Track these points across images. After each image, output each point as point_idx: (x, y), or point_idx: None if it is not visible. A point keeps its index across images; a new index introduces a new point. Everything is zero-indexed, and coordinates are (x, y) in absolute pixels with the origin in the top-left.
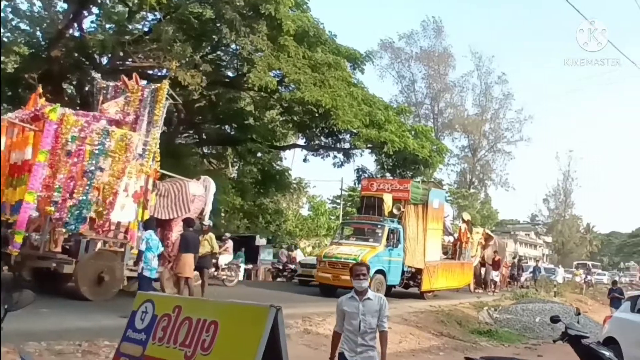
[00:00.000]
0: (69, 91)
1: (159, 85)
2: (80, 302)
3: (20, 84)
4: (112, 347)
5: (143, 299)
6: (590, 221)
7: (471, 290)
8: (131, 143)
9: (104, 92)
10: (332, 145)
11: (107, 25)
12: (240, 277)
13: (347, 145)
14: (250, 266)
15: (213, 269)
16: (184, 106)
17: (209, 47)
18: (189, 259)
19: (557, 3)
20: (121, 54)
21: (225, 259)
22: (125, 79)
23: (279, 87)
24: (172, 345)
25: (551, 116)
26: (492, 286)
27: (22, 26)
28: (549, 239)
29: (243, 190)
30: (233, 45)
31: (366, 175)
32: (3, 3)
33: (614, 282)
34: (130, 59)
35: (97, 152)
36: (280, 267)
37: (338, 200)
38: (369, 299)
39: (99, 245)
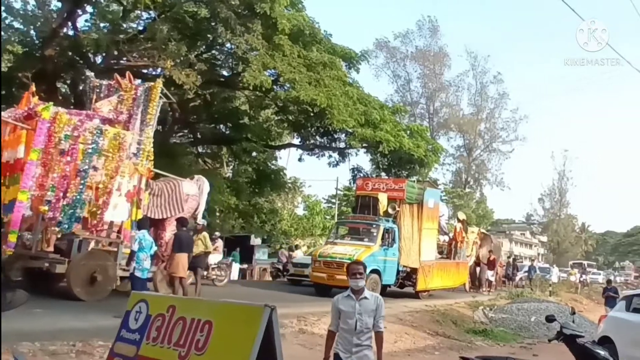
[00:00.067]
0: (63, 90)
1: (152, 84)
2: (73, 302)
3: (14, 83)
4: (106, 347)
5: (137, 298)
6: (586, 220)
7: (466, 289)
8: (124, 142)
9: (97, 90)
10: (327, 145)
11: (102, 24)
12: (235, 277)
13: (342, 145)
14: (245, 266)
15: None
16: (178, 105)
17: (204, 46)
18: (182, 258)
19: (552, 3)
20: (115, 53)
21: (215, 258)
22: (119, 77)
23: (274, 87)
24: (166, 345)
25: (546, 116)
26: (487, 285)
27: (16, 25)
28: (544, 239)
29: (238, 190)
30: (228, 45)
31: (361, 175)
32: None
33: (609, 281)
34: (124, 58)
35: (90, 151)
36: (280, 267)
37: (333, 200)
38: (365, 298)
39: (92, 244)
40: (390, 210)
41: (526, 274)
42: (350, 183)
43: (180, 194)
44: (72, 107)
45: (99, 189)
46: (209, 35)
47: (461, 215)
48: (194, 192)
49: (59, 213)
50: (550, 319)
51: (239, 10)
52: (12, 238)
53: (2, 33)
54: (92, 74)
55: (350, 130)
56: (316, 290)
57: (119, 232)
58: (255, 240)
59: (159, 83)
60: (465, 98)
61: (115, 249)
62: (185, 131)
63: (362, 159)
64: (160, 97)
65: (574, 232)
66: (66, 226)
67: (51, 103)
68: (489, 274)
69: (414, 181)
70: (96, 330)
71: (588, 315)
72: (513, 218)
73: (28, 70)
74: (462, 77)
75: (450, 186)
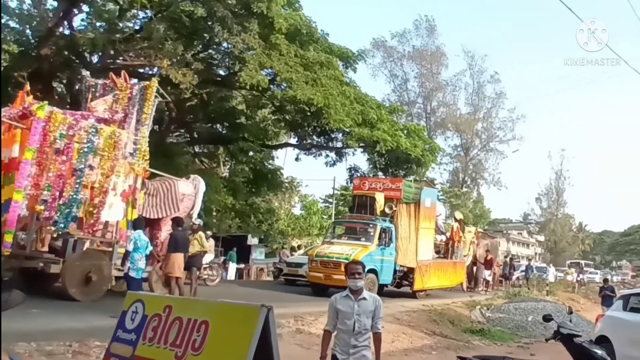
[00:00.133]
0: (59, 90)
1: (147, 83)
2: (69, 302)
3: (10, 82)
4: (102, 347)
5: (133, 299)
6: (583, 220)
7: (464, 289)
8: (120, 141)
9: (93, 90)
10: (324, 144)
11: (98, 24)
12: (232, 277)
13: (339, 144)
14: (242, 265)
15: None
16: (175, 105)
17: (201, 46)
18: (178, 258)
19: (549, 2)
20: (112, 52)
21: (206, 258)
22: (114, 76)
23: (271, 86)
24: (163, 346)
25: (543, 115)
26: (485, 285)
27: (12, 24)
28: (541, 238)
29: (235, 190)
30: (225, 44)
31: (358, 175)
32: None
33: (605, 280)
34: (121, 58)
35: (86, 149)
36: (282, 267)
37: (330, 200)
38: (364, 299)
39: (87, 244)
40: (387, 210)
41: (523, 273)
42: (347, 183)
43: (175, 193)
44: (68, 106)
45: (95, 189)
46: (205, 35)
47: (458, 215)
48: (189, 191)
49: (55, 212)
50: (547, 318)
51: (236, 10)
52: (9, 238)
53: None
54: (88, 73)
55: (347, 130)
56: (313, 290)
57: (114, 232)
58: (252, 240)
59: (155, 82)
60: (463, 97)
61: (111, 249)
62: (182, 131)
63: (359, 158)
64: (156, 97)
65: (571, 231)
66: (62, 225)
67: (46, 102)
68: (486, 274)
69: (411, 181)
70: (92, 331)
71: (585, 314)
72: (510, 217)
73: (24, 70)
74: (459, 76)
75: (448, 186)
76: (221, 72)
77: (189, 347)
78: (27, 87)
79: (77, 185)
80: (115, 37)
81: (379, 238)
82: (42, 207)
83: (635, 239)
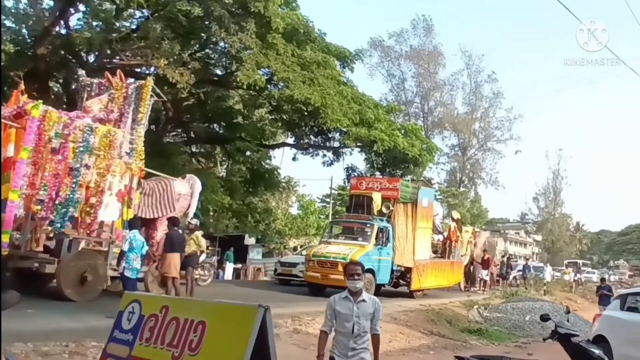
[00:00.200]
0: (56, 89)
1: (143, 82)
2: (65, 302)
3: (6, 81)
4: (99, 347)
5: (130, 299)
6: (580, 219)
7: (461, 289)
8: (115, 140)
9: (88, 89)
10: (322, 144)
11: (94, 23)
12: (229, 277)
13: (336, 144)
14: (239, 265)
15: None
16: (172, 105)
17: (198, 45)
18: (174, 258)
19: (546, 2)
20: (108, 51)
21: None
22: (110, 75)
23: (268, 85)
24: (160, 346)
25: (541, 115)
26: (482, 285)
27: (8, 23)
28: (538, 238)
29: (232, 189)
30: (222, 43)
31: (356, 174)
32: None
33: (603, 280)
34: (117, 57)
35: (81, 149)
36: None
37: (328, 199)
38: (363, 300)
39: (82, 244)
40: (384, 210)
41: (520, 272)
42: (344, 182)
43: (171, 193)
44: (64, 106)
45: (91, 188)
46: (202, 34)
47: (455, 215)
48: (185, 191)
49: (51, 212)
50: (544, 318)
51: (233, 9)
52: (5, 238)
53: None
54: (83, 72)
55: (344, 130)
56: (310, 290)
57: (110, 231)
58: (249, 240)
59: (150, 81)
60: (460, 97)
61: (106, 249)
62: (179, 130)
63: (356, 158)
64: (152, 96)
65: (569, 231)
66: (59, 225)
67: (40, 101)
68: (484, 273)
69: (409, 180)
70: (89, 331)
71: (582, 314)
72: (508, 217)
73: (20, 69)
74: (457, 76)
75: (445, 185)
76: (218, 72)
77: (186, 347)
78: (22, 86)
79: (73, 185)
80: (112, 36)
81: (376, 238)
82: (39, 207)
83: (633, 239)
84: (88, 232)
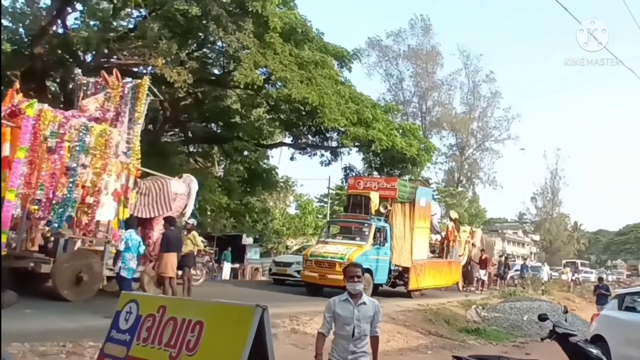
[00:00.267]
0: (53, 89)
1: (139, 81)
2: (62, 302)
3: (2, 81)
4: (96, 347)
5: (127, 299)
6: (578, 219)
7: (459, 289)
8: (111, 139)
9: (84, 88)
10: (320, 144)
11: (92, 22)
12: (227, 276)
13: (334, 144)
14: (237, 265)
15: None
16: (169, 104)
17: (195, 45)
18: (171, 258)
19: (545, 2)
20: (106, 51)
21: None
22: (106, 75)
23: (266, 85)
24: (157, 346)
25: (539, 114)
26: (481, 285)
27: (5, 22)
28: (536, 237)
29: (229, 189)
30: (219, 43)
31: (353, 174)
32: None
33: (600, 279)
34: (115, 57)
35: (77, 148)
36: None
37: (325, 199)
38: (364, 303)
39: (78, 244)
40: (382, 209)
41: (517, 272)
42: (342, 182)
43: (168, 192)
44: (61, 105)
45: (88, 188)
46: (200, 34)
47: (453, 214)
48: (182, 191)
49: (48, 212)
50: (542, 317)
51: (231, 8)
52: (3, 238)
53: None
54: (79, 71)
55: (342, 129)
56: (307, 290)
57: (106, 231)
58: (247, 240)
59: (146, 80)
60: (458, 97)
61: (102, 249)
62: (176, 130)
63: (354, 157)
64: (148, 95)
65: (567, 230)
66: (56, 225)
67: (35, 100)
68: (482, 273)
69: (406, 180)
70: (86, 331)
71: (580, 313)
72: (505, 217)
73: (17, 69)
74: (455, 75)
75: (443, 185)
76: (216, 71)
77: (183, 347)
78: (17, 84)
79: (70, 185)
80: (109, 35)
81: (374, 237)
82: (36, 207)
83: (631, 239)
84: (85, 232)
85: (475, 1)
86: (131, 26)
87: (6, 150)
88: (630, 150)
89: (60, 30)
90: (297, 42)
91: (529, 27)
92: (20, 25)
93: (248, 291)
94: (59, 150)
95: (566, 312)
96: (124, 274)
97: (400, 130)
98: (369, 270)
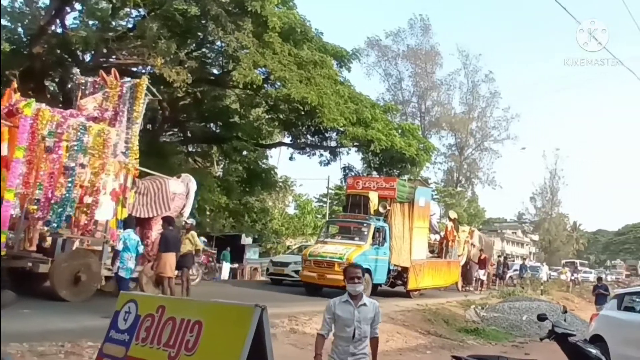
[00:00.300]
0: (52, 89)
1: (137, 80)
2: (60, 302)
3: (1, 81)
4: (95, 347)
5: (126, 299)
6: (577, 219)
7: (459, 289)
8: (109, 138)
9: (83, 88)
10: (319, 144)
11: (90, 22)
12: (226, 276)
13: (333, 144)
14: (236, 265)
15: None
16: (168, 104)
17: (194, 44)
18: (170, 258)
19: (544, 2)
20: (105, 50)
21: None
22: (104, 74)
23: (265, 85)
24: (156, 346)
25: (538, 114)
26: (480, 285)
27: (3, 22)
28: (535, 237)
29: (228, 189)
30: (218, 42)
31: (353, 174)
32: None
33: (599, 279)
34: (113, 56)
35: (76, 148)
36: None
37: (324, 199)
38: (364, 305)
39: (76, 244)
40: (381, 209)
41: (516, 272)
42: (341, 182)
43: (166, 192)
44: (60, 105)
45: (86, 187)
46: (199, 33)
47: (452, 214)
48: (180, 190)
49: (47, 212)
50: (542, 317)
51: (230, 8)
52: (3, 238)
53: None
54: (78, 70)
55: (341, 129)
56: (306, 290)
57: (104, 231)
58: (246, 240)
59: (145, 80)
60: (457, 97)
61: (100, 248)
62: (175, 130)
63: (353, 157)
64: (146, 95)
65: (566, 230)
66: (55, 225)
67: (32, 99)
68: (480, 273)
69: (405, 180)
70: (85, 331)
71: (579, 313)
72: (505, 217)
73: (15, 68)
74: (454, 75)
75: (442, 185)
76: (215, 71)
77: (182, 347)
78: (15, 84)
79: (69, 184)
80: (108, 35)
81: (373, 237)
82: (35, 207)
83: (630, 238)
84: (83, 231)
85: (474, 1)
86: (130, 26)
87: (4, 150)
88: (629, 150)
89: (59, 30)
90: (296, 42)
91: (529, 27)
92: (19, 24)
93: (247, 291)
94: (57, 149)
95: (565, 312)
96: (122, 274)
97: (400, 130)
98: (368, 270)
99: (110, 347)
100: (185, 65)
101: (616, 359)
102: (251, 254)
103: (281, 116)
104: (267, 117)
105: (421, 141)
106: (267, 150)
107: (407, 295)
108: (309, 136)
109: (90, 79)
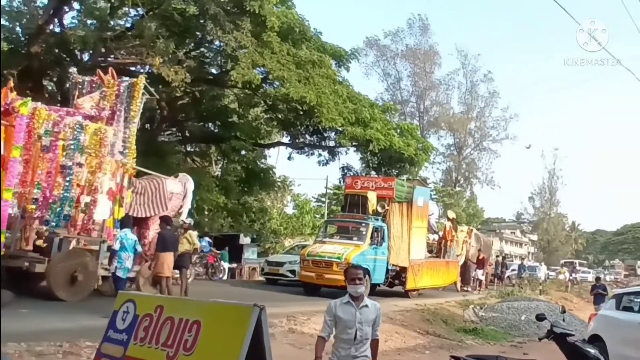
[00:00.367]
0: (50, 88)
1: (135, 80)
2: (58, 302)
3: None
4: (93, 347)
5: (124, 298)
6: (576, 219)
7: (457, 289)
8: (105, 138)
9: (80, 87)
10: (317, 143)
11: (89, 21)
12: (225, 276)
13: (332, 143)
14: (234, 265)
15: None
16: (166, 103)
17: (193, 44)
18: (167, 258)
19: (543, 2)
20: (103, 50)
21: None
22: (101, 73)
23: (263, 84)
24: (154, 346)
25: (538, 114)
26: (478, 285)
27: (2, 21)
28: (534, 237)
29: (227, 189)
30: (217, 42)
31: (351, 174)
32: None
33: (597, 279)
34: (112, 56)
35: (72, 147)
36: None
37: (323, 199)
38: (366, 306)
39: (73, 243)
40: (379, 209)
41: (515, 272)
42: (339, 182)
43: (163, 192)
44: (58, 104)
45: (84, 187)
46: (197, 33)
47: (451, 214)
48: (178, 190)
49: (46, 211)
50: (540, 317)
51: (228, 8)
52: (2, 238)
53: None
54: (75, 69)
55: (340, 129)
56: (305, 290)
57: (102, 230)
58: (245, 240)
59: (142, 79)
60: (456, 96)
61: (97, 248)
62: (174, 129)
63: (352, 157)
64: (144, 94)
65: (564, 230)
66: (54, 224)
67: (29, 98)
68: (479, 273)
69: (404, 180)
70: (83, 331)
71: (578, 313)
72: (503, 217)
73: (13, 68)
74: (453, 75)
75: (441, 185)
76: (213, 70)
77: (181, 347)
78: (11, 83)
79: (67, 184)
80: (107, 34)
81: (371, 237)
82: (34, 207)
83: (628, 238)
84: (81, 231)
85: (474, 1)
86: (128, 25)
87: (2, 149)
88: (628, 150)
89: (57, 29)
90: (295, 42)
91: (528, 27)
92: (17, 24)
93: (246, 291)
94: (54, 148)
95: (564, 312)
96: (119, 273)
97: (398, 130)
98: (366, 270)
99: (108, 346)
100: (184, 65)
101: (615, 358)
102: (249, 254)
103: (280, 116)
104: (265, 116)
105: (420, 141)
106: (265, 150)
107: (405, 295)
108: (307, 136)
109: (87, 78)
